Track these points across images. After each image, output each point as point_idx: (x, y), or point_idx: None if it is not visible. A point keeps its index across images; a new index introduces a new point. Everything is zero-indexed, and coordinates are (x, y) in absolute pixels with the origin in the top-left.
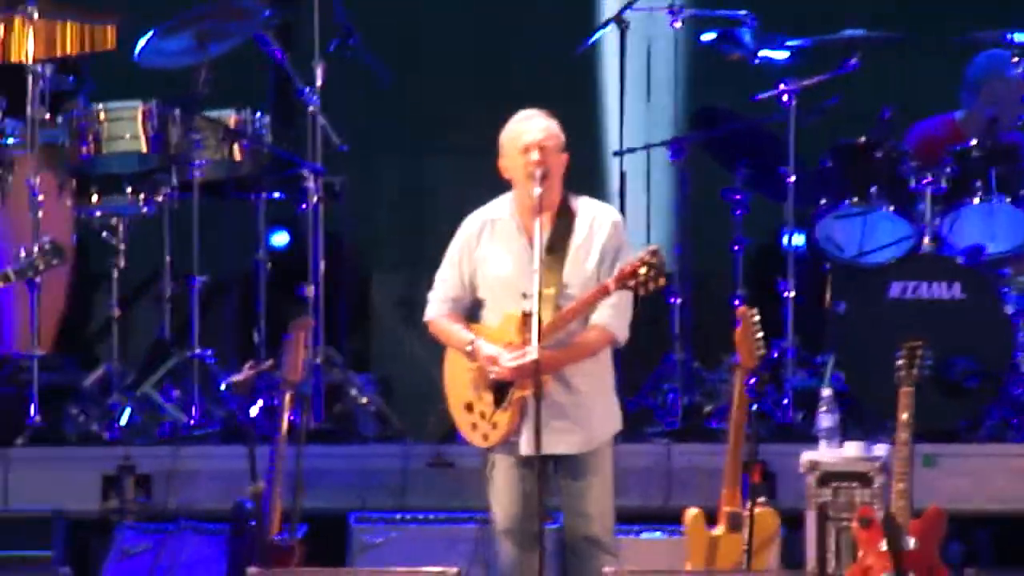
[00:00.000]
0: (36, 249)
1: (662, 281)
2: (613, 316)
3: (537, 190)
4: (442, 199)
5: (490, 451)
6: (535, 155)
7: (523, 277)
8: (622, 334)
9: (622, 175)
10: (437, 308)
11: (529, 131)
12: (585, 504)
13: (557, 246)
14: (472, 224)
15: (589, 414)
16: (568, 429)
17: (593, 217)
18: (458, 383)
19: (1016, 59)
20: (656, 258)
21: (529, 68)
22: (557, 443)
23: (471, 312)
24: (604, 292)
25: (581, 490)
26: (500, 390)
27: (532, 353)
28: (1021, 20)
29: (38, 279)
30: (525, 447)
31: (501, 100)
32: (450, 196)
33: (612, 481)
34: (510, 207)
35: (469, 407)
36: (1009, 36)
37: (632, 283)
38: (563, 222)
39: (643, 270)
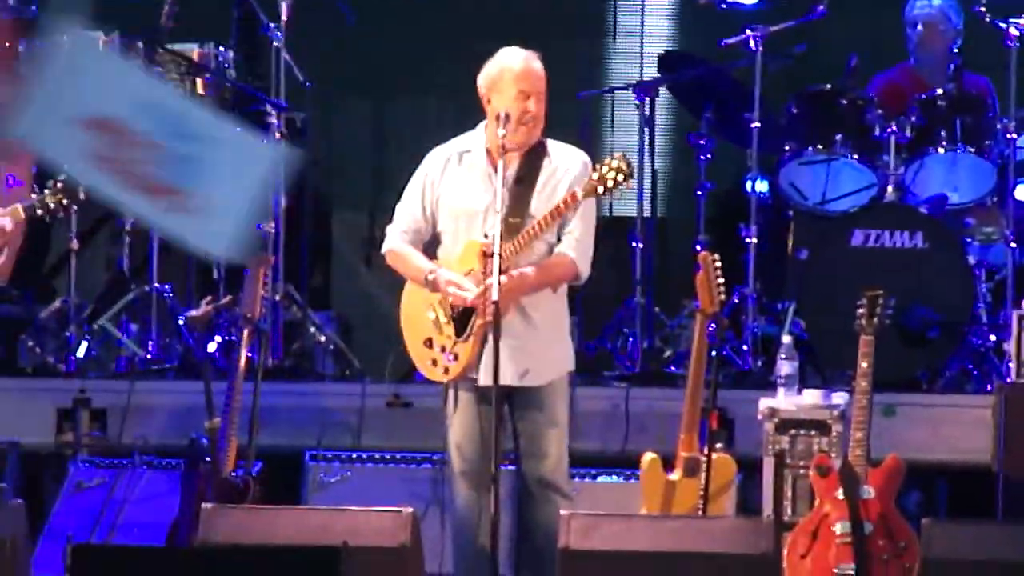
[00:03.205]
0: (48, 187)
1: (630, 183)
2: (577, 250)
3: (501, 132)
4: (404, 139)
5: (449, 386)
6: (532, 105)
7: (491, 210)
8: (584, 268)
9: (585, 118)
10: (397, 238)
11: (531, 77)
12: (540, 445)
13: (526, 179)
14: (438, 156)
15: (546, 349)
16: (525, 361)
17: (564, 155)
18: (416, 318)
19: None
20: (623, 162)
21: (496, 9)
22: (514, 374)
23: (428, 250)
24: (574, 200)
25: (536, 430)
26: (461, 321)
27: (493, 294)
28: None
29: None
30: (484, 378)
31: (467, 41)
32: (412, 136)
33: (567, 424)
34: (482, 140)
35: (428, 342)
36: None
37: (601, 188)
38: (534, 157)
39: (611, 174)
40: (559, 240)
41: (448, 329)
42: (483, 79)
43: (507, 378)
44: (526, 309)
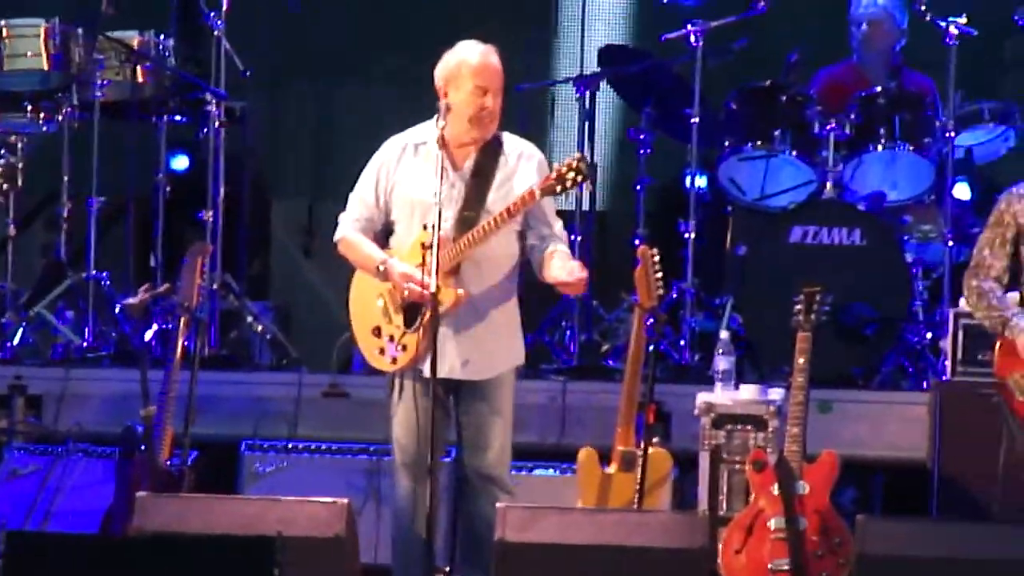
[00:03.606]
0: None
1: (586, 182)
2: (560, 237)
3: (441, 123)
4: (346, 128)
5: (395, 376)
6: (490, 100)
7: (446, 204)
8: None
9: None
10: (349, 226)
11: (488, 72)
12: (484, 438)
13: (482, 173)
14: (394, 145)
15: (496, 342)
16: (474, 354)
17: (520, 151)
18: (365, 306)
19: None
20: (583, 163)
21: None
22: (463, 368)
23: (381, 240)
24: (531, 198)
25: (482, 423)
26: (410, 312)
27: (431, 285)
28: None
29: None
30: (431, 369)
31: (409, 31)
32: (354, 126)
33: (511, 418)
34: (436, 132)
35: (376, 331)
36: None
37: (559, 187)
38: (489, 151)
39: (571, 175)
40: (524, 234)
41: (397, 319)
42: (440, 71)
43: (455, 371)
44: (478, 302)
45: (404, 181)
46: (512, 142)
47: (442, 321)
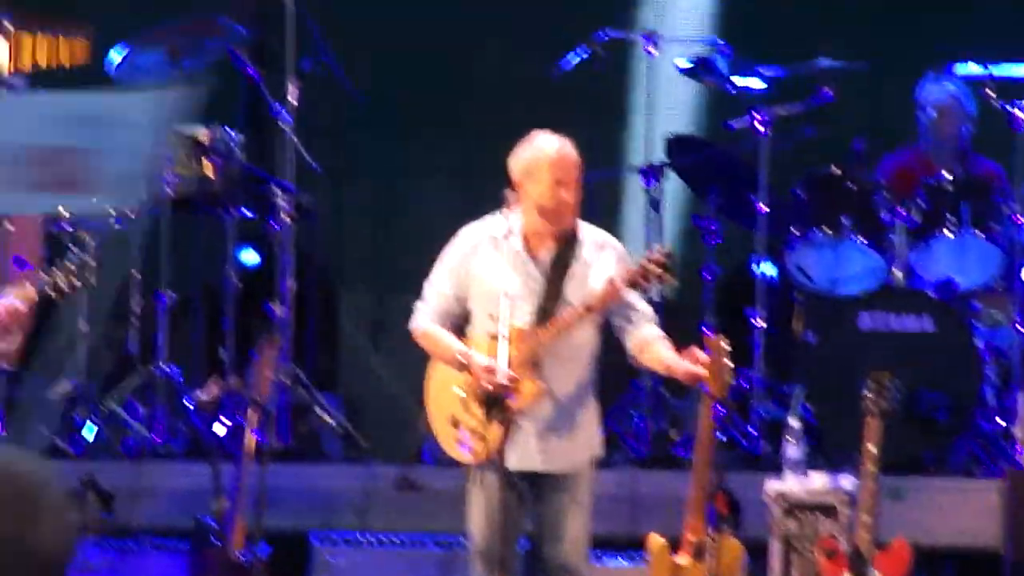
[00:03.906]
0: (58, 267)
1: (672, 280)
2: (655, 327)
3: (518, 215)
4: (412, 221)
5: (474, 467)
6: (567, 193)
7: (525, 296)
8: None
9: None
10: (427, 316)
11: (566, 165)
12: (563, 529)
13: (560, 264)
14: (470, 236)
15: (576, 434)
16: (554, 447)
17: (601, 244)
18: (443, 396)
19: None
20: (670, 259)
21: (504, 92)
22: (543, 460)
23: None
24: (614, 293)
25: (560, 513)
26: (490, 403)
27: (499, 375)
28: (995, 51)
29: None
30: (514, 462)
31: (475, 123)
32: (421, 218)
33: (590, 509)
34: (515, 226)
35: (455, 422)
36: (987, 68)
37: (644, 282)
38: (568, 242)
39: (657, 271)
40: (606, 322)
41: (476, 411)
42: (517, 165)
43: (535, 463)
44: (558, 394)
45: (481, 273)
46: (590, 232)
47: (522, 414)
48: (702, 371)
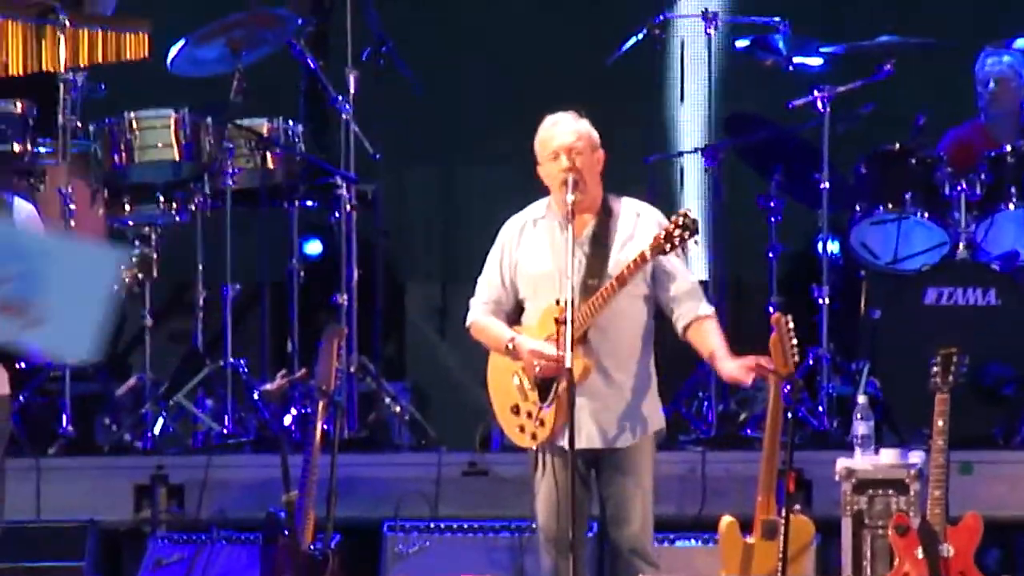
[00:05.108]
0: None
1: (696, 240)
2: (701, 300)
3: (570, 197)
4: (475, 208)
5: (537, 452)
6: (564, 160)
7: (566, 273)
8: (710, 307)
9: (654, 182)
10: (479, 310)
11: (558, 135)
12: (625, 511)
13: (600, 239)
14: (512, 225)
15: (632, 408)
16: (609, 423)
17: (637, 213)
18: (502, 386)
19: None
20: (688, 218)
21: (563, 75)
22: (600, 437)
23: (514, 318)
24: (643, 260)
25: (622, 495)
26: (545, 386)
27: (566, 362)
28: None
29: None
30: (569, 443)
31: (534, 108)
32: (483, 205)
33: (652, 488)
34: (550, 207)
35: (515, 409)
36: None
37: (668, 246)
38: (606, 216)
39: (677, 231)
40: (654, 297)
41: (533, 395)
42: (535, 150)
43: (593, 440)
44: (608, 370)
45: (526, 258)
46: (629, 205)
47: (575, 392)
48: (745, 377)
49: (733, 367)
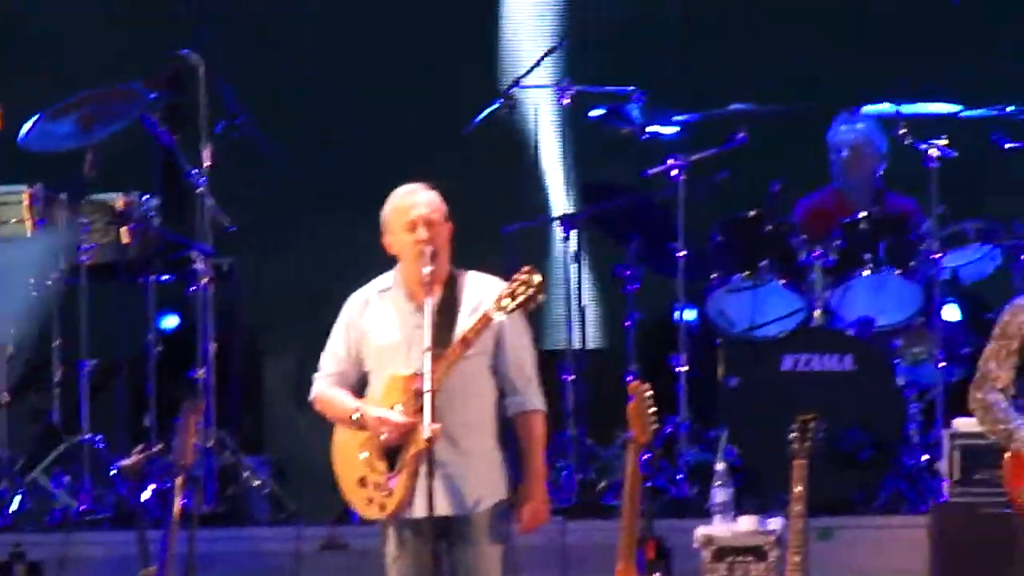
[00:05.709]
0: None
1: (540, 297)
2: (529, 394)
3: (428, 268)
4: (333, 278)
5: (388, 524)
6: (423, 232)
7: (413, 344)
8: (542, 402)
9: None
10: (323, 383)
11: (415, 206)
12: None
13: (447, 309)
14: (357, 299)
15: (477, 475)
16: (456, 490)
17: (483, 286)
18: (348, 459)
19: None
20: (531, 275)
21: (421, 144)
22: (446, 504)
23: (358, 392)
24: (486, 321)
25: (473, 563)
26: (393, 455)
27: (426, 431)
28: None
29: None
30: (419, 510)
31: (392, 176)
32: (341, 274)
33: (505, 558)
34: (396, 279)
35: (363, 481)
36: (897, 107)
37: (510, 303)
38: (453, 287)
39: (521, 288)
40: (499, 372)
41: (380, 465)
42: (382, 223)
43: (443, 508)
44: (454, 436)
45: (373, 329)
46: (475, 276)
47: (422, 459)
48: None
49: (525, 509)
